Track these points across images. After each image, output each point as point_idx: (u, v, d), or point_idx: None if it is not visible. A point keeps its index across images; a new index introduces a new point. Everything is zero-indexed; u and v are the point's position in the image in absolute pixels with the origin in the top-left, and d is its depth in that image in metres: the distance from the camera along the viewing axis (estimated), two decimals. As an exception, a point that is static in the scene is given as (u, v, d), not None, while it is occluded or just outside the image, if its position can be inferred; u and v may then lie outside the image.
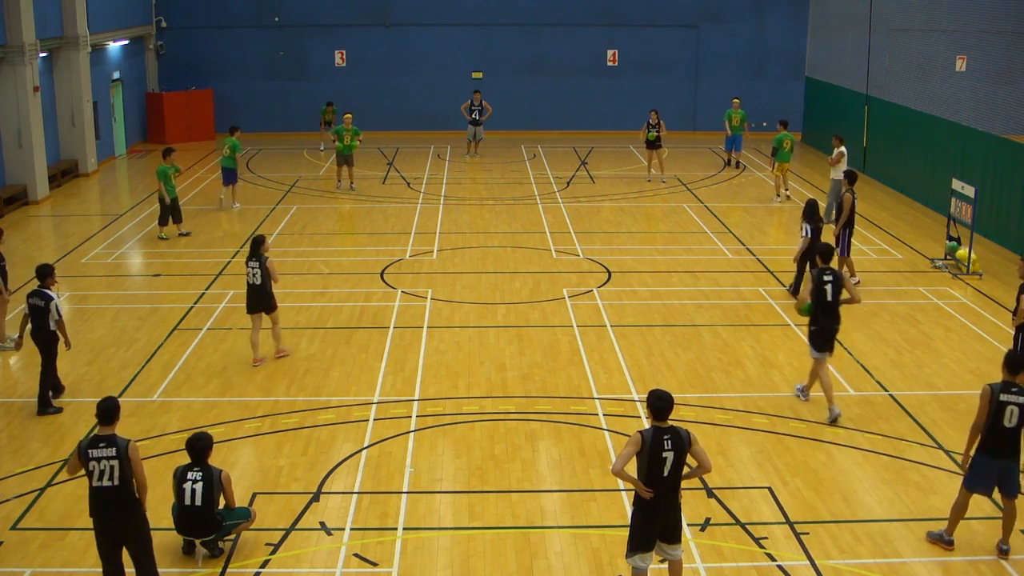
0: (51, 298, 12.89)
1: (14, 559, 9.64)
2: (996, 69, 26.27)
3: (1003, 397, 9.38)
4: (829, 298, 12.50)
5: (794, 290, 17.14)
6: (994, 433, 9.43)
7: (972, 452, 9.64)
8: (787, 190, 25.14)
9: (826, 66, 31.89)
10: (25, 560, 9.62)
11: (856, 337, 15.53)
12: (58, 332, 12.95)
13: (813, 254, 14.70)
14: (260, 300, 14.27)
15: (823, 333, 12.54)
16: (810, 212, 16.45)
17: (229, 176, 24.01)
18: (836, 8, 31.64)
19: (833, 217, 22.26)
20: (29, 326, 13.05)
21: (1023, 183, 19.86)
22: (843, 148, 22.13)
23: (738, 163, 29.35)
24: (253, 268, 14.13)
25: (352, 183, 25.66)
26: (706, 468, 8.49)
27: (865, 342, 15.36)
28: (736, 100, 28.66)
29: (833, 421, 12.47)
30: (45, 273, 13.21)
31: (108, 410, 8.63)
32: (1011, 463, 9.52)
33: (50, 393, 13.05)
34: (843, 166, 21.86)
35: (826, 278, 12.54)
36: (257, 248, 14.24)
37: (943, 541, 9.80)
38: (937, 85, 25.60)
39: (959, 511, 9.77)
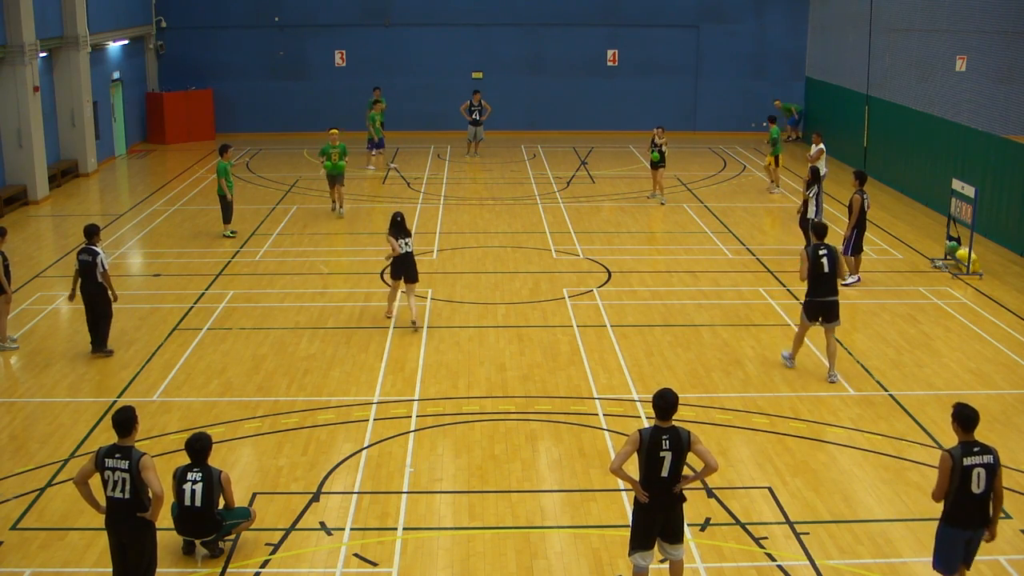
0: (97, 253, 14.46)
1: (14, 559, 9.64)
2: (996, 69, 26.29)
3: (967, 461, 8.25)
4: (826, 270, 13.52)
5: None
6: (960, 502, 8.32)
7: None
8: (773, 182, 26.14)
9: (826, 66, 31.91)
10: (25, 560, 9.62)
11: (856, 337, 15.53)
12: (104, 284, 14.43)
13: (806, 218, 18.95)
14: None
15: (813, 304, 13.69)
16: (817, 176, 19.46)
17: (226, 207, 21.36)
18: (836, 8, 31.65)
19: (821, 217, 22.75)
20: (79, 281, 14.51)
21: (1023, 183, 19.86)
22: (822, 145, 22.61)
23: (797, 138, 33.49)
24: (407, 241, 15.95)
25: (341, 206, 23.08)
26: (711, 468, 8.41)
27: (865, 342, 15.36)
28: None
29: (784, 360, 14.26)
30: (92, 232, 14.71)
31: (121, 423, 8.49)
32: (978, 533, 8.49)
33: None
34: (823, 162, 22.63)
35: (821, 252, 13.61)
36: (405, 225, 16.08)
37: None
38: (937, 85, 25.61)
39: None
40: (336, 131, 22.93)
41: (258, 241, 21.11)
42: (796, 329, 14.40)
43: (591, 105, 34.88)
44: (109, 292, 14.55)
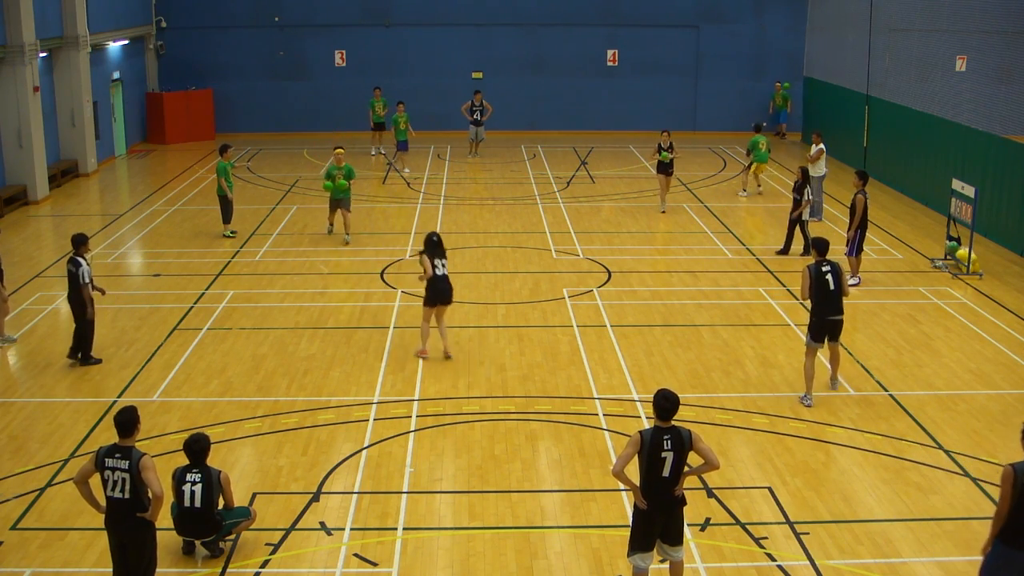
0: (79, 264, 14.11)
1: (14, 559, 9.64)
2: (996, 69, 26.30)
3: None
4: (831, 287, 12.82)
5: (784, 250, 20.00)
6: (1018, 521, 7.76)
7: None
8: (760, 186, 26.00)
9: (826, 66, 31.90)
10: (25, 560, 9.63)
11: (856, 337, 15.53)
12: (84, 296, 14.06)
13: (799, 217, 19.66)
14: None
15: (821, 323, 12.90)
16: (806, 176, 19.81)
17: (226, 207, 21.33)
18: (836, 8, 31.64)
19: (818, 216, 22.58)
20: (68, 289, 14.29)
21: (1023, 183, 19.87)
22: (822, 145, 22.54)
23: (783, 134, 34.00)
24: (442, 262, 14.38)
25: (347, 232, 20.85)
26: (713, 465, 8.43)
27: (865, 342, 15.36)
28: (777, 85, 33.97)
29: (803, 403, 13.05)
30: (79, 241, 14.43)
31: (123, 423, 8.48)
32: None
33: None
34: (823, 162, 22.55)
35: (824, 269, 12.89)
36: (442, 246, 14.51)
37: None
38: (937, 85, 25.61)
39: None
40: (341, 150, 21.04)
41: (258, 241, 21.10)
42: (804, 360, 13.16)
43: (591, 105, 34.88)
44: (87, 307, 14.06)
